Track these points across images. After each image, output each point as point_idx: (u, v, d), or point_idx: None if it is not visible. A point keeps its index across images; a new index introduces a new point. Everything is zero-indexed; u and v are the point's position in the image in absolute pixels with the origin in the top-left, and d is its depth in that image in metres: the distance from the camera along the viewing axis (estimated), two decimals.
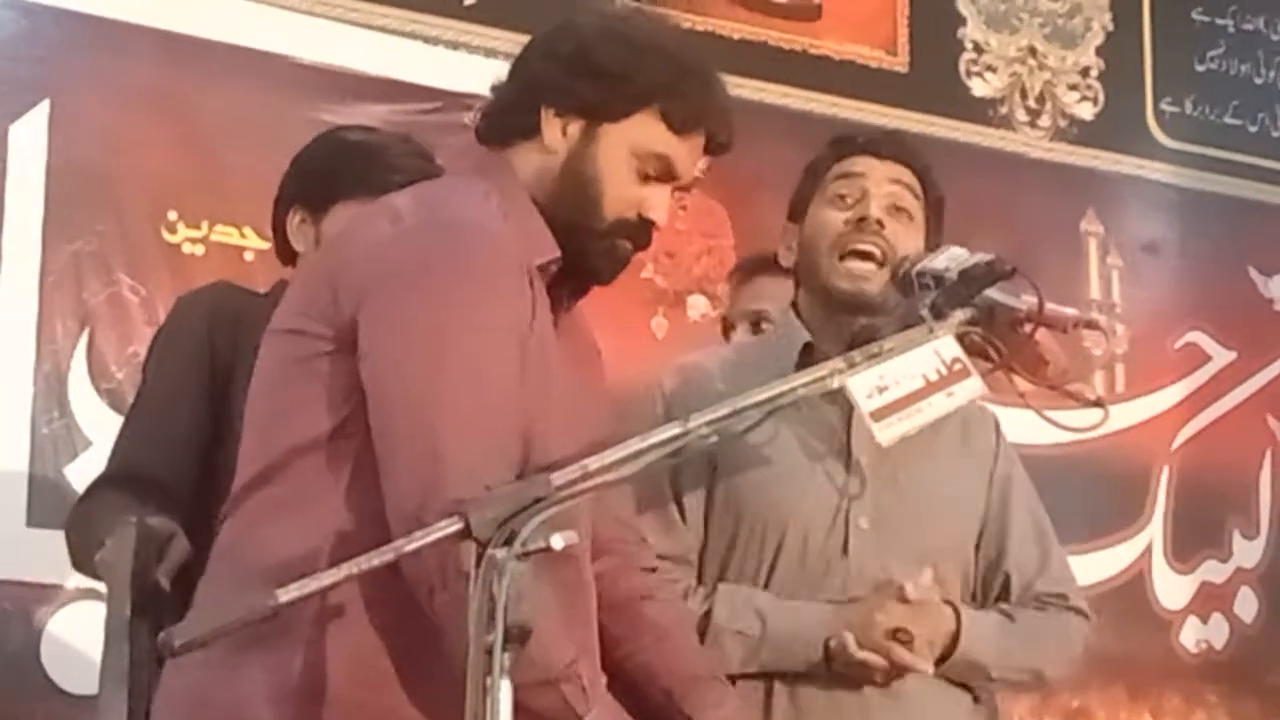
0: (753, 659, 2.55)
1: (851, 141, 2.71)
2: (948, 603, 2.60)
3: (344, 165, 2.72)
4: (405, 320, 2.08)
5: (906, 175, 2.66)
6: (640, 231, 2.25)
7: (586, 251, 2.22)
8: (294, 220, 2.74)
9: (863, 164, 2.66)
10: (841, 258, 2.60)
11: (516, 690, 1.74)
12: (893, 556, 2.59)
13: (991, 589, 2.70)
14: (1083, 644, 2.76)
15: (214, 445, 2.59)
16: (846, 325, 2.60)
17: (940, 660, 2.57)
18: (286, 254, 2.78)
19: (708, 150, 2.29)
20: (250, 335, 2.53)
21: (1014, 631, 2.65)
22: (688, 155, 2.27)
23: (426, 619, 2.02)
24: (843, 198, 2.63)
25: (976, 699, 2.66)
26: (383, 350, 2.08)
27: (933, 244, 2.61)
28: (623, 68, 2.22)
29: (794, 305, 2.71)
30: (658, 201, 2.25)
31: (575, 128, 2.23)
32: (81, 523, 2.63)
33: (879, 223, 2.59)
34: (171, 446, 2.61)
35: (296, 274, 2.55)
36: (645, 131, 2.23)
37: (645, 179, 2.24)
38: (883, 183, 2.63)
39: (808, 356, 2.59)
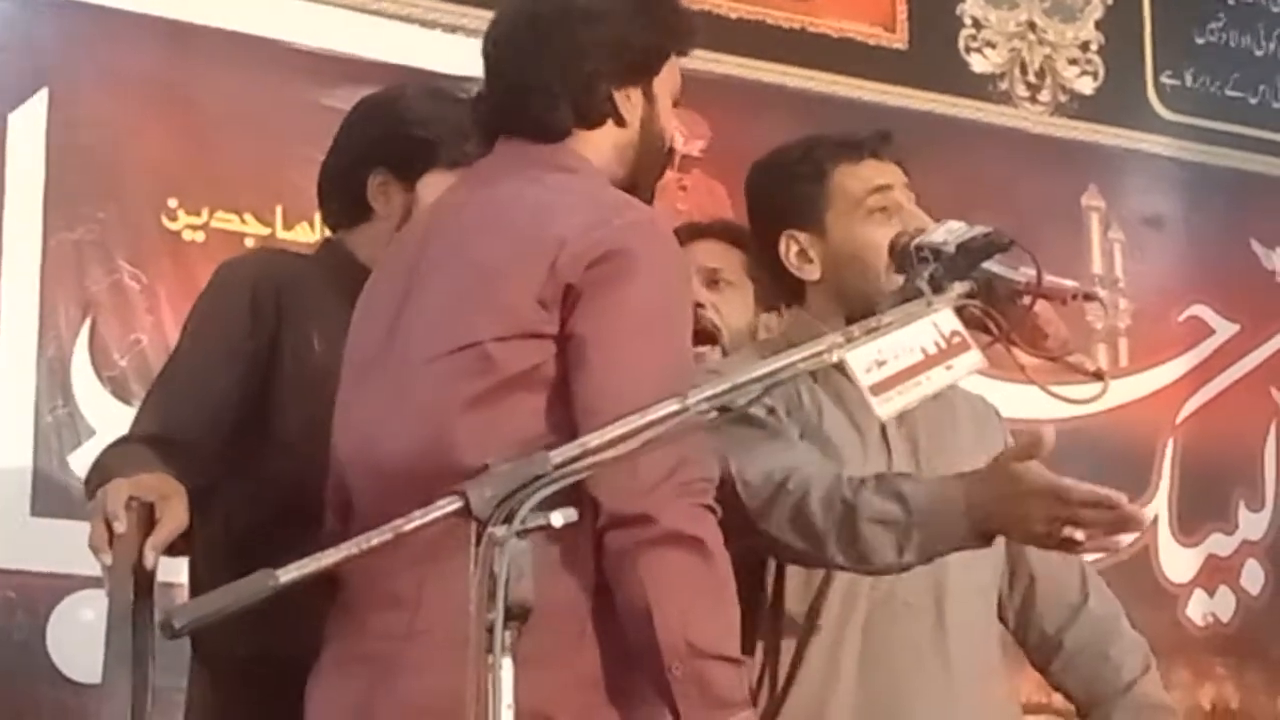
0: (907, 545, 2.38)
1: (860, 146, 2.69)
2: None
3: (446, 135, 2.70)
4: (645, 302, 2.18)
5: (903, 175, 2.69)
6: (670, 160, 2.46)
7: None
8: (374, 182, 2.71)
9: (880, 171, 2.67)
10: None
11: None
12: None
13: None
14: None
15: (260, 408, 2.57)
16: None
17: None
18: (342, 213, 2.76)
19: None
20: (296, 299, 2.60)
21: None
22: None
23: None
24: (883, 210, 2.63)
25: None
26: (622, 325, 2.17)
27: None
28: (651, 28, 2.38)
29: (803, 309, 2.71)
30: (676, 126, 2.46)
31: (635, 94, 2.38)
32: (101, 469, 2.53)
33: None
34: (203, 410, 2.56)
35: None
36: (673, 72, 2.43)
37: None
38: (903, 189, 2.67)
39: None
